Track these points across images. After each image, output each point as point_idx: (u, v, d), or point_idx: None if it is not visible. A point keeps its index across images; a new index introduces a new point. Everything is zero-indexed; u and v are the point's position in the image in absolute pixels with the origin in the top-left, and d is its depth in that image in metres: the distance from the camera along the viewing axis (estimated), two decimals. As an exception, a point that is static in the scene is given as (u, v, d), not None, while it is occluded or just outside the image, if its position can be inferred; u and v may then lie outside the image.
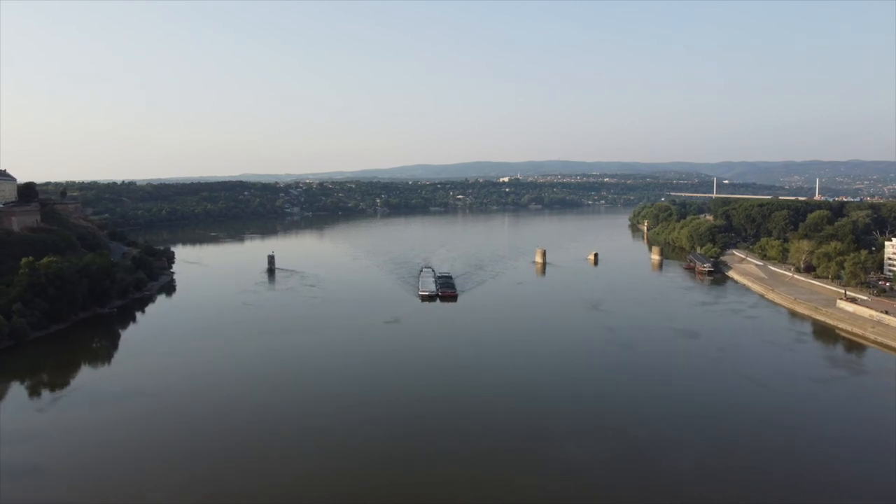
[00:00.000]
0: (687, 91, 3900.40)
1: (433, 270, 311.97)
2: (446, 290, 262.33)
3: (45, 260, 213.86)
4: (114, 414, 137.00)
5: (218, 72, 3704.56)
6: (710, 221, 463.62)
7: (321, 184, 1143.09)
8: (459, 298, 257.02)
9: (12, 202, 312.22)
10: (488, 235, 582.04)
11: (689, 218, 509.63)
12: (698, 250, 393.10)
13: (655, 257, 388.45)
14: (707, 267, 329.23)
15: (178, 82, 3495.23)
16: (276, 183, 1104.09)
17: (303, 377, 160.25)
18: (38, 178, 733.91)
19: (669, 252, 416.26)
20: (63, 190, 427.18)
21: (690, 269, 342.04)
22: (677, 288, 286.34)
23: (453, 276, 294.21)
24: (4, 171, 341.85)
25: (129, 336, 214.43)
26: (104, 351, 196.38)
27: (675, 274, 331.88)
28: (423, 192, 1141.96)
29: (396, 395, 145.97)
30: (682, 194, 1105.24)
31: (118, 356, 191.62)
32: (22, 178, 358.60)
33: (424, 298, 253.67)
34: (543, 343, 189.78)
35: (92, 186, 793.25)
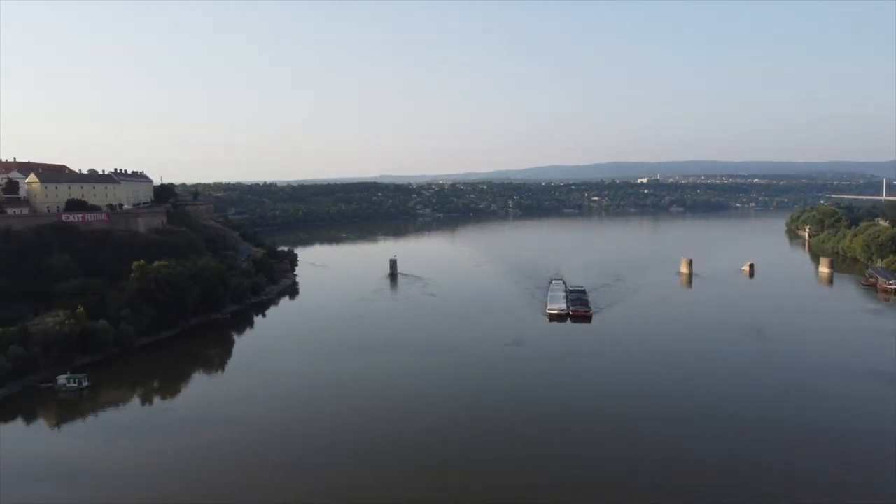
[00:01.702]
0: (855, 83, 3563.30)
1: (564, 283, 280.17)
2: (579, 308, 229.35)
3: (156, 264, 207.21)
4: (191, 442, 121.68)
5: (358, 80, 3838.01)
6: (892, 229, 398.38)
7: (453, 185, 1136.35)
8: (594, 318, 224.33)
9: (146, 203, 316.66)
10: (626, 241, 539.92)
11: (862, 224, 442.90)
12: (878, 263, 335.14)
13: (824, 270, 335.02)
14: (894, 284, 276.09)
15: (316, 91, 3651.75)
16: (409, 184, 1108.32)
17: (404, 405, 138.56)
18: (189, 179, 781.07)
19: (840, 263, 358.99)
20: (196, 191, 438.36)
21: (871, 286, 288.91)
22: (860, 310, 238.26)
23: (587, 291, 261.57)
24: (142, 172, 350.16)
25: (235, 346, 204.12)
26: (204, 362, 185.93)
27: (852, 291, 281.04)
28: (557, 194, 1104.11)
29: (510, 443, 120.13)
30: (845, 196, 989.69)
31: (216, 369, 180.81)
32: (175, 180, 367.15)
33: (553, 317, 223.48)
34: (692, 388, 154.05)
35: (236, 188, 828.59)
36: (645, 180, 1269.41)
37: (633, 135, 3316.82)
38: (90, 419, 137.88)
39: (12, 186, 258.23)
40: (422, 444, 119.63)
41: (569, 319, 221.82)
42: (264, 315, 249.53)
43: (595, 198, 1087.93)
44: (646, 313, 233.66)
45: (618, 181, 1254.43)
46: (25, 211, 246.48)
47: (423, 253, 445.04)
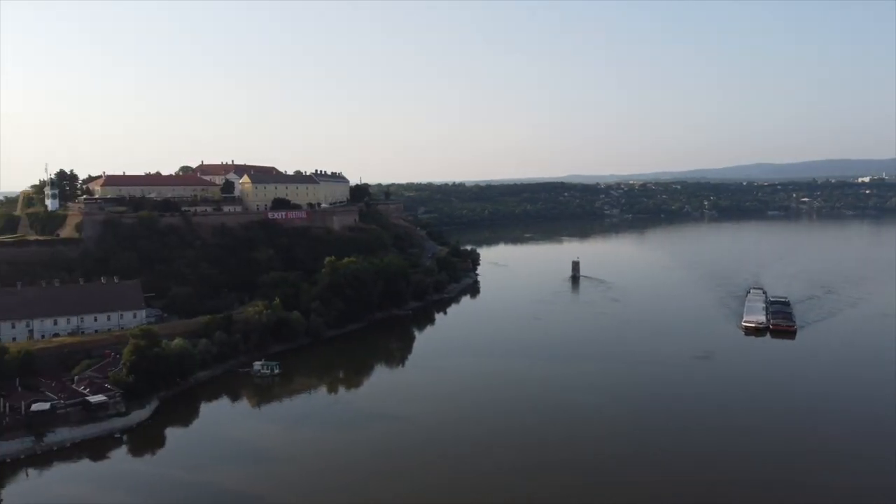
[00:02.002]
0: None
1: (764, 293, 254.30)
2: (780, 321, 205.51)
3: (345, 260, 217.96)
4: (364, 435, 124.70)
5: (545, 79, 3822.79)
6: None
7: (644, 185, 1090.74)
8: (799, 334, 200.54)
9: (341, 202, 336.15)
10: (840, 247, 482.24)
11: None
12: None
13: None
14: None
15: (505, 93, 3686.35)
16: (597, 184, 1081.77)
17: (580, 417, 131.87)
18: (385, 179, 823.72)
19: None
20: (387, 191, 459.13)
21: None
22: None
23: (791, 303, 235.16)
24: (340, 173, 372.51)
25: (415, 342, 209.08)
26: (385, 356, 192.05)
27: None
28: (759, 194, 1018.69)
29: (693, 480, 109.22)
30: None
31: (396, 363, 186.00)
32: (372, 181, 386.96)
33: (749, 331, 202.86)
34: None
35: (426, 188, 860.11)
36: (866, 179, 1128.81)
37: (855, 130, 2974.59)
38: (278, 404, 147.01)
39: (228, 186, 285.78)
40: (600, 462, 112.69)
41: (768, 334, 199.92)
42: (445, 312, 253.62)
43: (805, 199, 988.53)
44: (865, 331, 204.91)
45: (832, 180, 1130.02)
46: (238, 209, 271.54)
47: (609, 255, 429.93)
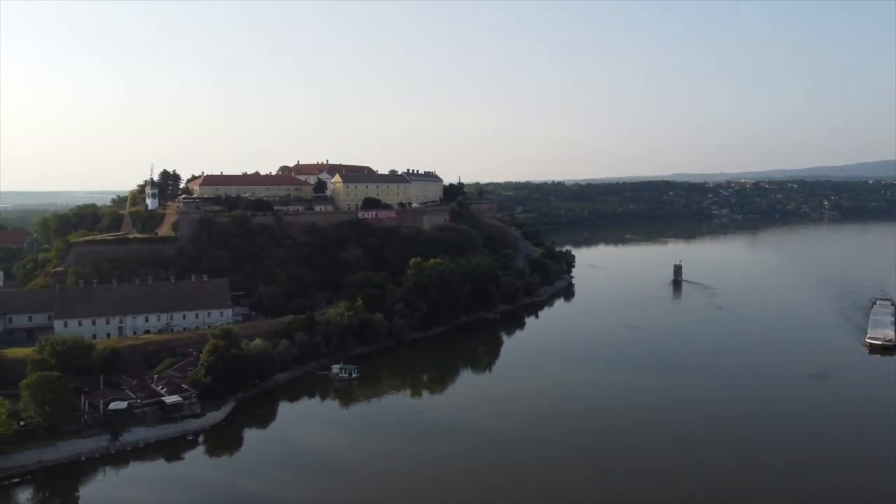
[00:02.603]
0: None
1: (893, 304, 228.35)
2: None
3: (431, 261, 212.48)
4: (435, 451, 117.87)
5: (651, 74, 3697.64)
6: None
7: (756, 184, 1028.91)
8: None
9: (433, 202, 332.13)
10: None
11: None
12: None
13: None
14: None
15: (596, 86, 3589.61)
16: (705, 183, 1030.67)
17: (669, 439, 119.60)
18: (483, 178, 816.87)
19: None
20: (481, 190, 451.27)
21: None
22: None
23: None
24: (433, 173, 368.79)
25: (503, 346, 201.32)
26: (471, 361, 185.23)
27: None
28: (888, 194, 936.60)
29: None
30: None
31: (482, 369, 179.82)
32: (469, 180, 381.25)
33: (875, 348, 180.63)
34: None
35: (524, 187, 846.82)
36: None
37: None
38: (353, 411, 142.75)
39: (321, 186, 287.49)
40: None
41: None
42: (537, 316, 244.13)
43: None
44: None
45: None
46: (329, 208, 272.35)
47: (716, 258, 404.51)
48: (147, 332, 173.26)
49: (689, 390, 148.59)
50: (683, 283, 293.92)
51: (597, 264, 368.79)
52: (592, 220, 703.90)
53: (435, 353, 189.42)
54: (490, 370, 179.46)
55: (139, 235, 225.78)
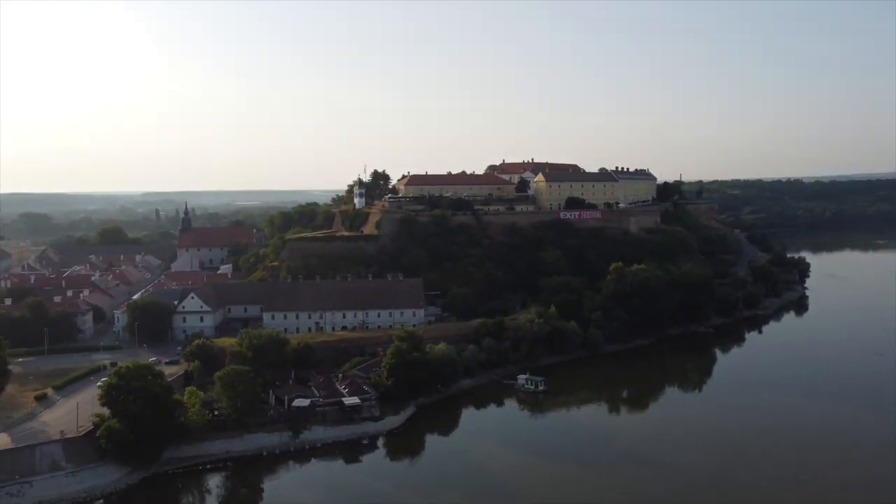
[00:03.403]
0: None
1: None
2: None
3: (633, 266, 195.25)
4: (619, 484, 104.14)
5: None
6: None
7: None
8: None
9: (644, 202, 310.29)
10: None
11: None
12: None
13: None
14: None
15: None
16: None
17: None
18: (706, 177, 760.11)
19: None
20: (700, 189, 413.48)
21: None
22: None
23: None
24: (645, 170, 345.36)
25: (716, 365, 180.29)
26: (677, 380, 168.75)
27: None
28: None
29: None
30: None
31: (690, 387, 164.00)
32: (692, 178, 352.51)
33: None
34: None
35: (754, 184, 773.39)
36: None
37: None
38: (535, 428, 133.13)
39: (523, 185, 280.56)
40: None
41: None
42: (760, 331, 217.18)
43: None
44: None
45: None
46: (531, 208, 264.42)
47: None
48: (343, 328, 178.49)
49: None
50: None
51: (837, 274, 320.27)
52: (835, 223, 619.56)
53: (634, 368, 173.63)
54: (699, 391, 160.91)
55: (345, 233, 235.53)
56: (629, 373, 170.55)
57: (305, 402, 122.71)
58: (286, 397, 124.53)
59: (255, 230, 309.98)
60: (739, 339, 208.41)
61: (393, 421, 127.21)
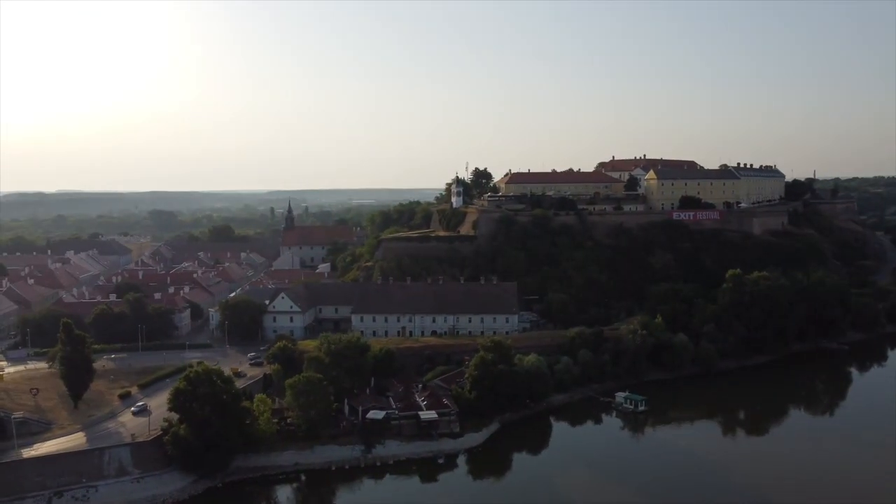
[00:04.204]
0: None
1: None
2: None
3: (754, 274, 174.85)
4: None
5: None
6: None
7: None
8: None
9: (769, 201, 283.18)
10: None
11: None
12: None
13: None
14: None
15: None
16: None
17: None
18: (843, 173, 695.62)
19: None
20: (834, 187, 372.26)
21: None
22: None
23: None
24: (772, 166, 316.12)
25: (851, 387, 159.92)
26: (804, 403, 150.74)
27: None
28: None
29: None
30: None
31: (819, 411, 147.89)
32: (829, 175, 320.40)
33: None
34: None
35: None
36: None
37: None
38: (631, 455, 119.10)
39: (632, 183, 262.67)
40: None
41: None
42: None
43: None
44: None
45: None
46: (641, 208, 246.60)
47: None
48: (434, 332, 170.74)
49: None
50: None
51: None
52: None
53: (753, 388, 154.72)
54: (830, 413, 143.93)
55: (441, 233, 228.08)
56: (747, 394, 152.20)
57: (380, 415, 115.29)
58: (361, 408, 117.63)
59: (357, 228, 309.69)
60: (881, 358, 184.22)
61: (474, 438, 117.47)
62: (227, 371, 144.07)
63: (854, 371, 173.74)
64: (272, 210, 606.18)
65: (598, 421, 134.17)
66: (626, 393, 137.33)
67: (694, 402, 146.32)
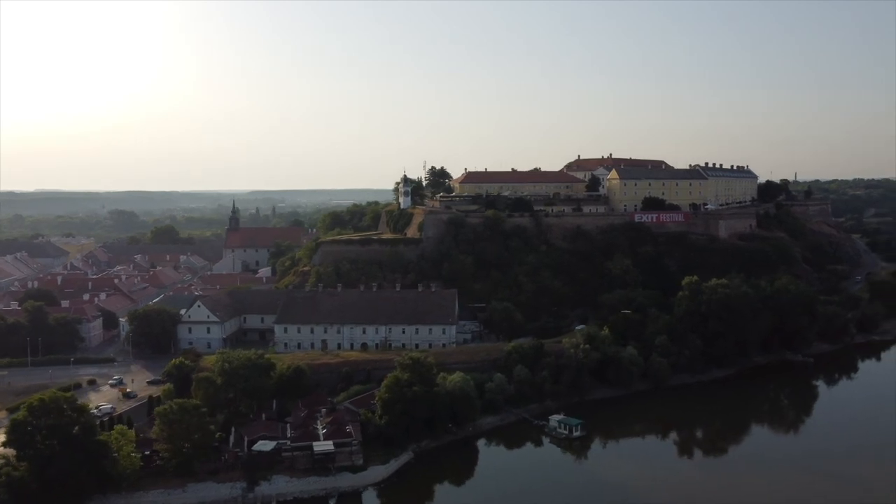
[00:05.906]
0: None
1: None
2: None
3: (712, 282, 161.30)
4: None
5: None
6: None
7: None
8: None
9: (739, 202, 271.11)
10: None
11: None
12: None
13: None
14: None
15: None
16: None
17: None
18: (823, 175, 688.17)
19: None
20: (808, 189, 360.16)
21: None
22: None
23: None
24: (745, 167, 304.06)
25: (816, 403, 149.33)
26: (766, 420, 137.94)
27: None
28: None
29: None
30: None
31: (783, 429, 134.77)
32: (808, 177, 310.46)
33: None
34: None
35: (880, 184, 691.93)
36: None
37: None
38: (561, 490, 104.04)
39: (594, 183, 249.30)
40: None
41: None
42: (878, 359, 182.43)
43: None
44: None
45: None
46: (602, 209, 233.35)
47: None
48: (364, 345, 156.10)
49: None
50: None
51: None
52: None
53: (709, 405, 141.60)
54: (794, 431, 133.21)
55: (385, 236, 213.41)
56: (702, 411, 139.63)
57: (269, 446, 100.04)
58: (247, 438, 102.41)
59: (311, 230, 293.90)
60: (850, 370, 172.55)
61: (378, 472, 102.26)
62: (128, 389, 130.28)
63: (819, 385, 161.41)
64: (234, 208, 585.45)
65: (538, 444, 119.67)
66: (561, 416, 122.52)
67: (640, 423, 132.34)
